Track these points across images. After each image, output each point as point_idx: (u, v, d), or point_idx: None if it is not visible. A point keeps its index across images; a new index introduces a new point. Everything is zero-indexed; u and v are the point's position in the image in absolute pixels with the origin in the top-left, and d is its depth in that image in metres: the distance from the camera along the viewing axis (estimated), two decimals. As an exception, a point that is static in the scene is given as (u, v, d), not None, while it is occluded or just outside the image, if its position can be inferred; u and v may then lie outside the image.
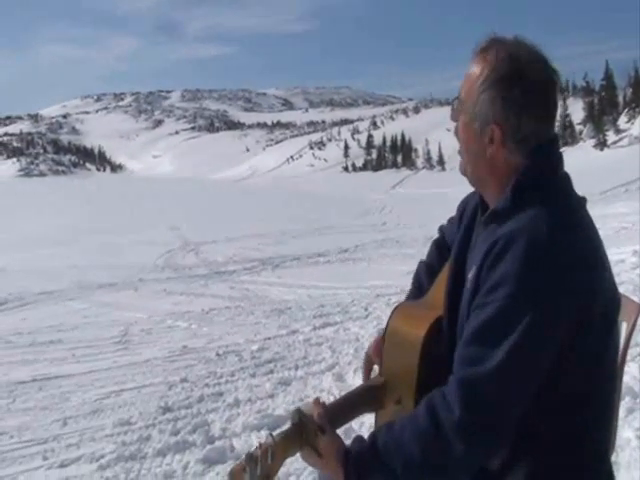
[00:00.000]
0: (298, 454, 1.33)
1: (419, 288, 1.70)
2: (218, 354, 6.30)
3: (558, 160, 1.37)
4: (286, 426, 1.35)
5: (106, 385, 5.50)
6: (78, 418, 4.73)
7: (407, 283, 1.78)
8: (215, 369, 5.78)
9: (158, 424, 4.45)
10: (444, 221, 1.79)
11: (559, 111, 1.41)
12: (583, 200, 1.36)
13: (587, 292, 1.24)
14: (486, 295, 1.24)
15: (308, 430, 1.30)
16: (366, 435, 1.31)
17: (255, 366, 5.80)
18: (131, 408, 4.88)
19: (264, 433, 3.81)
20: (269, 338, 6.85)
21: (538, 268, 1.20)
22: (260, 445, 1.24)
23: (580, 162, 38.79)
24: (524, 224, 1.24)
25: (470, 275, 1.34)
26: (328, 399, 3.35)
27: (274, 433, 1.29)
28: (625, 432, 3.10)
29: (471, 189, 1.54)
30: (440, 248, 1.74)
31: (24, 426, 4.59)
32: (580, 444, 1.28)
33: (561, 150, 1.41)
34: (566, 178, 1.36)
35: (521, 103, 1.29)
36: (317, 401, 1.38)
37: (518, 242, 1.22)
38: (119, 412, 4.81)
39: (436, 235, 1.80)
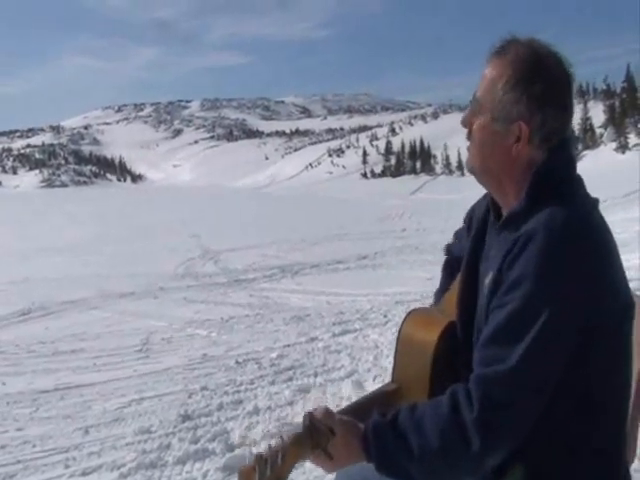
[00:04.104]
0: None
1: None
2: (238, 362, 6.30)
3: (572, 160, 1.38)
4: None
5: (127, 394, 5.52)
6: (99, 427, 4.75)
7: (427, 290, 1.78)
8: (235, 377, 5.79)
9: (178, 432, 4.46)
10: None
11: (579, 115, 1.42)
12: (596, 201, 1.35)
13: (605, 293, 1.23)
14: (504, 295, 1.24)
15: (319, 433, 1.30)
16: None
17: (274, 374, 5.80)
18: (151, 416, 4.89)
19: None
20: (288, 345, 6.84)
21: (555, 266, 1.20)
22: (270, 446, 1.24)
23: (601, 165, 38.32)
24: (541, 223, 1.24)
25: (487, 280, 1.33)
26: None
27: (284, 435, 1.29)
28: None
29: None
30: (448, 270, 1.74)
31: (47, 435, 4.63)
32: (585, 445, 1.28)
33: (582, 153, 1.41)
34: (579, 179, 1.37)
35: (545, 97, 1.30)
36: (327, 408, 1.39)
37: (535, 241, 1.21)
38: (140, 420, 4.82)
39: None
